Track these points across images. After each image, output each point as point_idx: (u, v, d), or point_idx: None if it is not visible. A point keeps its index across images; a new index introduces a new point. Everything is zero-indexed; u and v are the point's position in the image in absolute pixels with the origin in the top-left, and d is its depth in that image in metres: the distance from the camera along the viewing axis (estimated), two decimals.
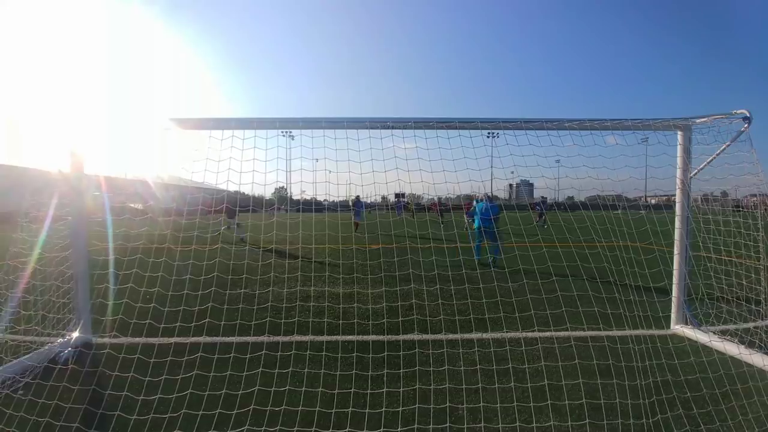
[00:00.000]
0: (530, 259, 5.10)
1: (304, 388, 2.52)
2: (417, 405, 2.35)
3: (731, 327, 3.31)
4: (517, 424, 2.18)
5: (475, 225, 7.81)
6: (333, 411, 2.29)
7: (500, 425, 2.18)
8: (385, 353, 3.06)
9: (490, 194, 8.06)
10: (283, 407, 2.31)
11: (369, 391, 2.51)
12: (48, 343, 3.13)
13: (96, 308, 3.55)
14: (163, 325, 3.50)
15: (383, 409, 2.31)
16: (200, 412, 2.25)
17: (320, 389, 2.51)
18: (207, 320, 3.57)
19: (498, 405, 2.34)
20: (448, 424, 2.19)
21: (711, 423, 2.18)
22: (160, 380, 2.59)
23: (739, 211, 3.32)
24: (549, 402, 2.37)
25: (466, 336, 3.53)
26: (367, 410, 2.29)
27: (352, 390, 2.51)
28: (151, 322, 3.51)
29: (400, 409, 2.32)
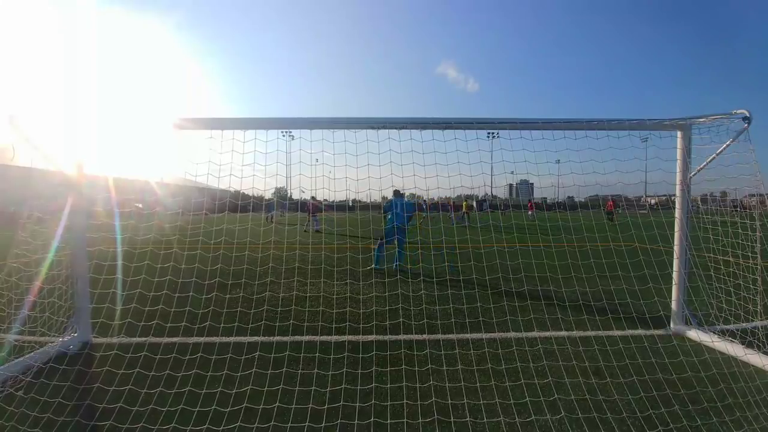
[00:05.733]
0: (530, 258, 5.09)
1: (297, 387, 2.54)
2: (404, 401, 2.36)
3: (731, 327, 3.29)
4: (511, 419, 2.18)
5: (388, 225, 6.78)
6: (325, 407, 2.30)
7: (485, 420, 2.19)
8: (374, 353, 3.08)
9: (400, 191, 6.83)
10: (276, 405, 2.33)
11: (359, 387, 2.52)
12: (48, 342, 3.16)
13: (95, 309, 3.57)
14: (155, 322, 3.54)
15: (372, 402, 2.32)
16: (196, 409, 2.27)
17: (313, 387, 2.53)
18: (208, 323, 3.59)
19: (481, 402, 2.36)
20: (435, 417, 2.20)
21: (709, 419, 2.18)
22: (159, 380, 2.61)
23: (738, 211, 3.31)
24: (543, 399, 2.37)
25: (453, 336, 3.53)
26: (357, 404, 2.31)
27: (343, 386, 2.53)
28: (149, 323, 3.55)
29: (389, 403, 2.33)
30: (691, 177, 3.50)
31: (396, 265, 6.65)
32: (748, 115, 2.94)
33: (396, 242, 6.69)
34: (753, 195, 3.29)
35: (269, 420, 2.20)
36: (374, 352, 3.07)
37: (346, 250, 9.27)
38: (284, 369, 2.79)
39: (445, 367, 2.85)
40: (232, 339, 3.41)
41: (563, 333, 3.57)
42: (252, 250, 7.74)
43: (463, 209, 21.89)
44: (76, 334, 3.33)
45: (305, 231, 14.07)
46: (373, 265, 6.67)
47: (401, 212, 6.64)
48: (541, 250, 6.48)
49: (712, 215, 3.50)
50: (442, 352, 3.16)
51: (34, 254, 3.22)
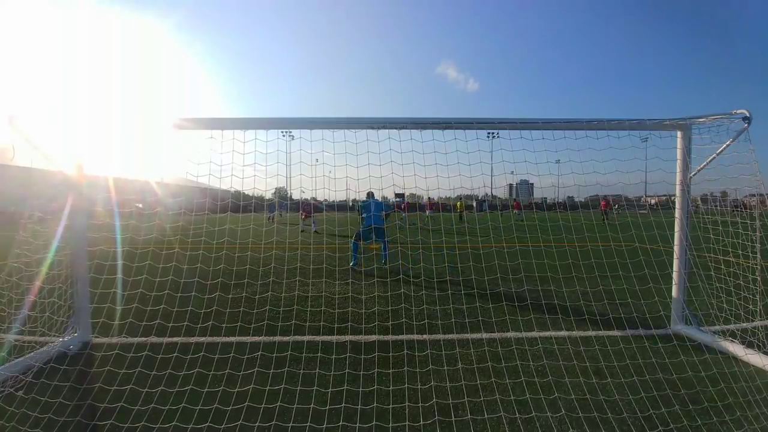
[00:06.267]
0: (529, 259, 5.10)
1: (299, 387, 2.54)
2: (407, 403, 2.37)
3: (731, 327, 3.30)
4: (512, 416, 2.18)
5: (365, 227, 6.73)
6: (326, 408, 2.31)
7: (486, 417, 2.20)
8: (376, 353, 3.08)
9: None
10: (278, 404, 2.33)
11: (360, 389, 2.53)
12: (48, 342, 3.16)
13: (95, 309, 3.57)
14: (156, 322, 3.53)
15: (374, 405, 2.33)
16: (198, 407, 2.28)
17: (314, 387, 2.53)
18: (210, 323, 3.60)
19: (482, 399, 2.37)
20: (437, 418, 2.20)
21: (709, 419, 2.18)
22: (160, 380, 2.62)
23: (740, 211, 3.31)
24: (543, 396, 2.38)
25: (454, 336, 3.53)
26: (359, 406, 2.31)
27: (345, 387, 2.53)
28: (150, 323, 3.55)
29: (391, 406, 2.34)
30: (691, 177, 3.50)
31: (384, 266, 6.69)
32: (748, 115, 2.95)
33: (375, 242, 6.76)
34: (753, 195, 3.29)
35: (270, 419, 2.20)
36: (376, 353, 3.07)
37: (347, 250, 9.27)
38: (286, 369, 2.80)
39: (445, 367, 2.85)
40: (234, 339, 3.41)
41: (563, 333, 3.57)
42: (254, 250, 7.75)
43: (458, 209, 21.99)
44: (76, 334, 3.32)
45: (302, 231, 14.09)
46: (351, 264, 6.68)
47: (376, 212, 6.69)
48: (541, 250, 6.49)
49: (713, 215, 3.50)
50: (443, 352, 3.16)
51: (34, 254, 3.22)
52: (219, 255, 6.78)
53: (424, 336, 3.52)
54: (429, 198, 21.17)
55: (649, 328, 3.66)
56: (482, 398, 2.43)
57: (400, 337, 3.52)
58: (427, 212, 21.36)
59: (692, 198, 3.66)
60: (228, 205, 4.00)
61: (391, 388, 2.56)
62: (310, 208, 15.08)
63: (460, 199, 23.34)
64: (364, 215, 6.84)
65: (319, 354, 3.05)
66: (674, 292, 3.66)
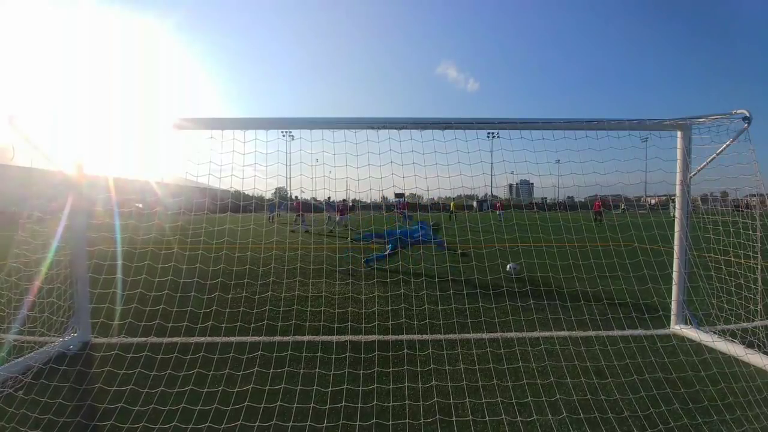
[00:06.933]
0: (530, 258, 5.09)
1: (299, 387, 2.54)
2: (407, 401, 2.36)
3: (731, 327, 3.30)
4: (513, 418, 2.18)
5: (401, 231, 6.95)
6: (326, 407, 2.31)
7: (487, 418, 2.20)
8: (376, 353, 3.08)
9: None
10: (278, 404, 2.33)
11: (360, 388, 2.53)
12: (48, 342, 3.15)
13: (95, 309, 3.57)
14: (156, 322, 3.53)
15: (374, 402, 2.33)
16: (198, 408, 2.27)
17: (315, 387, 2.53)
18: (210, 323, 3.60)
19: (483, 401, 2.37)
20: (437, 417, 2.20)
21: (709, 418, 2.18)
22: (160, 380, 2.61)
23: (740, 211, 3.31)
24: (545, 399, 2.37)
25: (455, 336, 3.53)
26: (359, 405, 2.31)
27: (345, 387, 2.53)
28: (150, 323, 3.55)
29: (390, 404, 2.34)
30: (691, 177, 3.50)
31: (374, 264, 6.79)
32: (748, 115, 2.95)
33: (389, 245, 6.85)
34: (753, 195, 3.29)
35: (270, 419, 2.20)
36: (376, 353, 3.07)
37: (348, 250, 9.27)
38: (286, 368, 2.80)
39: (446, 367, 2.85)
40: (234, 339, 3.41)
41: (564, 333, 3.57)
42: (254, 250, 7.74)
43: (451, 208, 21.94)
44: (76, 334, 3.32)
45: (292, 231, 14.15)
46: (366, 260, 6.81)
47: (417, 233, 6.70)
48: (542, 250, 6.48)
49: (713, 215, 3.50)
50: (444, 352, 3.16)
51: (34, 254, 3.22)
52: (219, 255, 6.78)
53: (424, 336, 3.52)
54: (405, 198, 21.06)
55: (649, 328, 3.66)
56: (483, 399, 2.43)
57: (400, 336, 3.52)
58: (398, 212, 21.22)
59: (692, 198, 3.66)
60: (228, 205, 3.99)
61: (391, 386, 2.56)
62: (309, 207, 15.13)
63: (455, 198, 23.27)
64: (412, 226, 6.97)
65: (319, 354, 3.05)
66: (674, 292, 3.65)
